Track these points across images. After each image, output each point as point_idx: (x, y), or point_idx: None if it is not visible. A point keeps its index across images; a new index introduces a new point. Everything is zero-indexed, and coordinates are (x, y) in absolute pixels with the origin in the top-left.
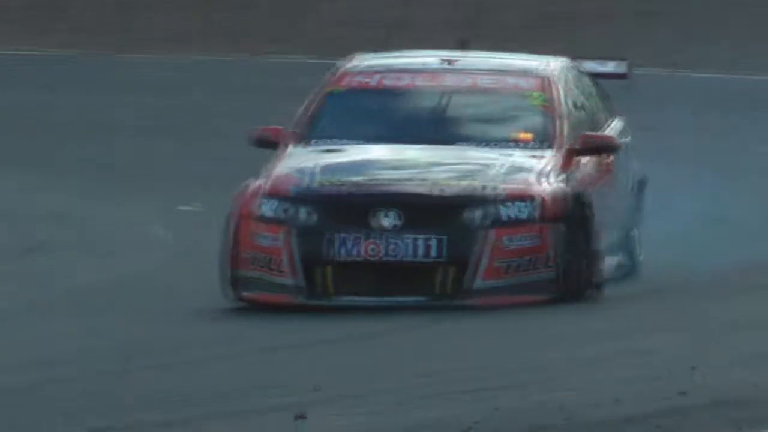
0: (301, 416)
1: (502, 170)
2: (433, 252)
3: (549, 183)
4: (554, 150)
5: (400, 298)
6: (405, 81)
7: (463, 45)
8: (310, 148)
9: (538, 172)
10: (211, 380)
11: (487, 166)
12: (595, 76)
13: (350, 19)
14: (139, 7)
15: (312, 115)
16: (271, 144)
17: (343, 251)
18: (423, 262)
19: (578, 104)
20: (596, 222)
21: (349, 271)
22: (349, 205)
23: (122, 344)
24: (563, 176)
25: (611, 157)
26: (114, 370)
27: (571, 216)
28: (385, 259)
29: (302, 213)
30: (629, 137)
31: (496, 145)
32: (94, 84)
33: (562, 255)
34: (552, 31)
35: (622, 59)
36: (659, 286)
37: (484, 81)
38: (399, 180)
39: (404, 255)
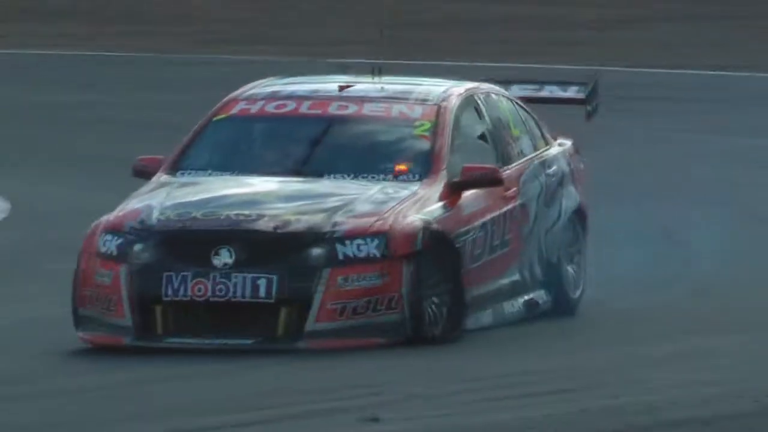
0: (374, 419)
1: (356, 205)
2: (262, 292)
3: (402, 218)
4: (428, 182)
5: (230, 341)
6: (287, 108)
7: (376, 72)
8: (174, 180)
9: (395, 206)
10: (273, 383)
11: (344, 201)
12: (553, 102)
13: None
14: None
15: (188, 144)
16: (149, 174)
17: (170, 290)
18: (252, 302)
19: (480, 134)
20: (469, 258)
21: (179, 311)
22: (181, 242)
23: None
24: (429, 210)
25: (512, 189)
26: (168, 375)
27: (427, 253)
28: (212, 299)
29: (135, 250)
30: (558, 166)
31: (367, 177)
32: (145, 83)
33: (411, 295)
34: (594, 35)
35: (584, 83)
36: (709, 287)
37: (371, 109)
38: (237, 216)
39: (232, 295)
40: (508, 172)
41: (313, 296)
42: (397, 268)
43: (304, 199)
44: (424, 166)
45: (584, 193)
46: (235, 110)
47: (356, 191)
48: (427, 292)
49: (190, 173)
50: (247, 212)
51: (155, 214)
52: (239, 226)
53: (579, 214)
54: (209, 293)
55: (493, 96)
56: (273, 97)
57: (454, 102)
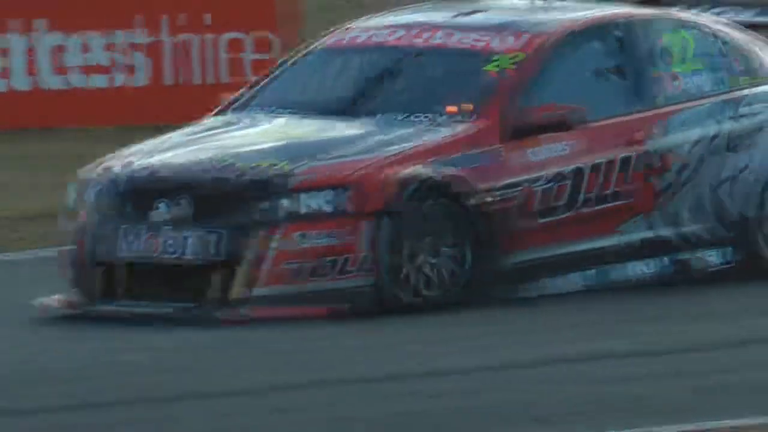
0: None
1: (339, 150)
2: (189, 252)
3: (385, 167)
4: (477, 125)
5: (166, 306)
6: (377, 39)
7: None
8: (214, 122)
9: (393, 152)
10: None
11: (345, 145)
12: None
13: None
14: None
15: (269, 79)
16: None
17: (124, 247)
18: (183, 263)
19: (612, 69)
20: (527, 214)
21: (113, 273)
22: (136, 192)
23: None
24: (453, 157)
25: (639, 132)
26: None
27: (415, 209)
28: (164, 257)
29: (102, 201)
30: (760, 106)
31: (420, 117)
32: None
33: (376, 257)
34: None
35: None
36: None
37: (459, 39)
38: (199, 165)
39: (181, 252)
40: (642, 114)
41: (262, 256)
42: (358, 226)
43: (306, 146)
44: (485, 106)
45: None
46: (329, 43)
47: (369, 135)
48: (413, 253)
49: (252, 111)
50: (214, 161)
51: (138, 160)
52: (192, 176)
53: None
54: (159, 251)
55: (663, 23)
56: (379, 26)
57: (560, 32)
